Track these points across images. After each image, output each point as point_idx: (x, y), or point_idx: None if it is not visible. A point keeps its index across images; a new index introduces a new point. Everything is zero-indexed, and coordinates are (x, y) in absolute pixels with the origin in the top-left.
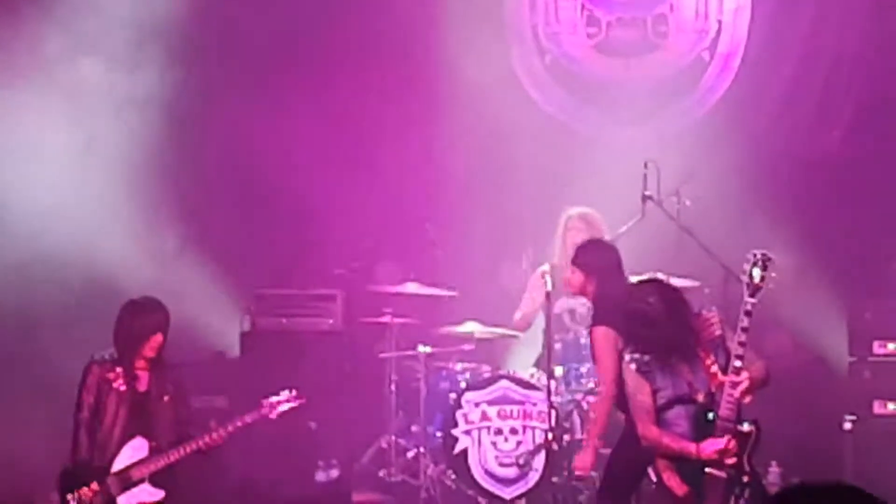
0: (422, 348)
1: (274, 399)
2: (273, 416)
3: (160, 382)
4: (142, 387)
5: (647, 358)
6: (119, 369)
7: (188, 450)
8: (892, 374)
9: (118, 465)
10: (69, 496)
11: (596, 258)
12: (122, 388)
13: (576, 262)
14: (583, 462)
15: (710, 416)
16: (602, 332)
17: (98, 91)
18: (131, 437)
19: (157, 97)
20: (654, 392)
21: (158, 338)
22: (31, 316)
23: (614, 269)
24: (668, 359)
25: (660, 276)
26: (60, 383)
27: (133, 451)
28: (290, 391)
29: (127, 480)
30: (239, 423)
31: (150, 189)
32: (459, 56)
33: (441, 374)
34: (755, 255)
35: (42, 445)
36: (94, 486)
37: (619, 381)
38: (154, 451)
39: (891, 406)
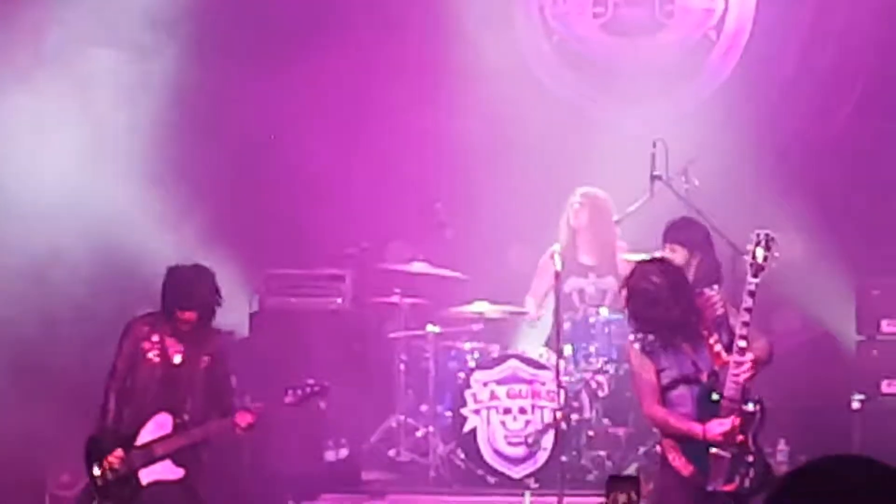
0: (431, 328)
1: (299, 391)
2: (293, 402)
3: (196, 354)
4: (175, 358)
5: (651, 337)
6: (156, 338)
7: (209, 431)
8: None
9: (143, 438)
10: (94, 465)
11: (694, 233)
12: (157, 358)
13: (676, 240)
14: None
15: (715, 396)
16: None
17: (107, 80)
18: (162, 408)
19: (167, 83)
20: (659, 372)
21: (191, 313)
22: (44, 305)
23: (709, 242)
24: (672, 338)
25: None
26: (74, 372)
27: (156, 427)
28: (312, 383)
29: (149, 455)
30: (262, 410)
31: (160, 173)
32: (468, 37)
33: (450, 353)
34: (758, 235)
35: (53, 432)
36: (115, 458)
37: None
38: (179, 428)
39: None
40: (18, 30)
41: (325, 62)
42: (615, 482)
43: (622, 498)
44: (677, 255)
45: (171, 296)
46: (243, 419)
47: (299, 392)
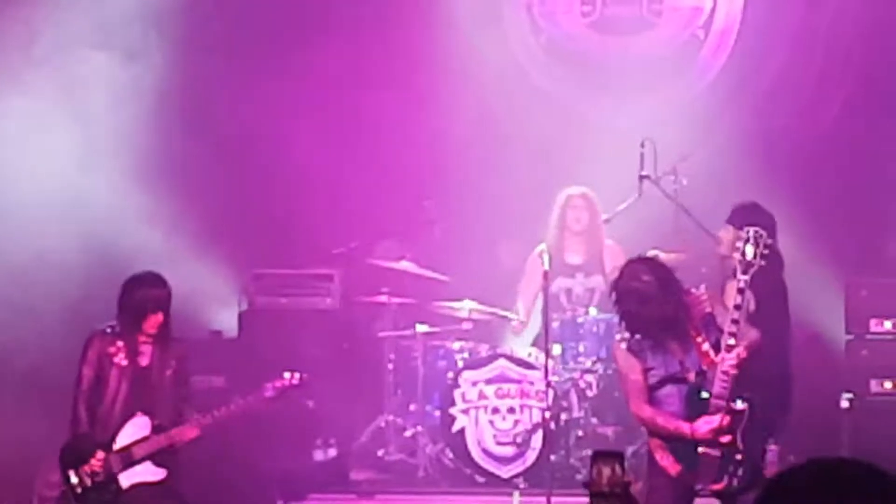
0: (419, 327)
1: (277, 382)
2: (273, 396)
3: (163, 357)
4: (144, 361)
5: (638, 337)
6: (120, 343)
7: (190, 431)
8: (889, 352)
9: (120, 441)
10: (70, 472)
11: (752, 219)
12: (124, 362)
13: (731, 221)
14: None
15: (704, 394)
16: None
17: (98, 81)
18: (133, 412)
19: (157, 84)
20: (646, 371)
21: (159, 316)
22: (34, 306)
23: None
24: (661, 337)
25: (658, 254)
26: (60, 370)
27: (135, 429)
28: (292, 373)
29: (128, 458)
30: (241, 405)
31: (150, 174)
32: (457, 36)
33: (439, 353)
34: (747, 232)
35: (41, 430)
36: (95, 461)
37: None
38: (156, 430)
39: (888, 384)
40: (10, 31)
41: (315, 61)
42: (600, 456)
43: (606, 471)
44: (726, 235)
45: (139, 300)
46: (188, 434)
47: (278, 385)
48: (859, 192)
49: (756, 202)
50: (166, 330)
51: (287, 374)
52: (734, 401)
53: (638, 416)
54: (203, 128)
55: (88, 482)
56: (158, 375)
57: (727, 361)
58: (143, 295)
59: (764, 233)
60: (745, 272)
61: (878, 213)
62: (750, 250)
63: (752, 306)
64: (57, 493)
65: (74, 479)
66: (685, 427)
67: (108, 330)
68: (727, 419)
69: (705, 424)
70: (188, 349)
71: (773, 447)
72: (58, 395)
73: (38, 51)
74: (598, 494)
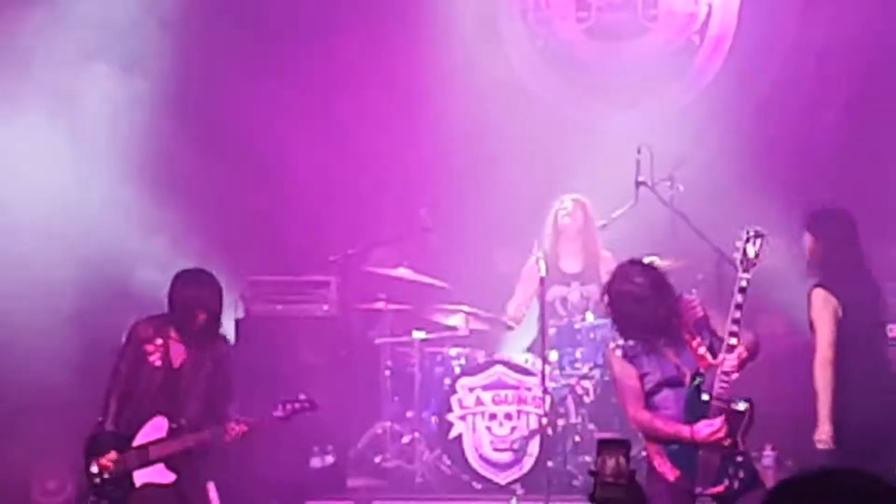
0: (416, 334)
1: (289, 405)
2: (283, 416)
3: (198, 359)
4: (177, 362)
5: (632, 342)
6: (159, 341)
7: (201, 438)
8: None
9: (139, 440)
10: (92, 461)
11: (825, 226)
12: (158, 362)
13: (809, 229)
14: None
15: (705, 396)
16: (822, 294)
17: (94, 91)
18: (160, 412)
19: (152, 94)
20: (642, 377)
21: (204, 316)
22: (32, 314)
23: (844, 240)
24: (654, 342)
25: (655, 259)
26: (61, 379)
27: (152, 430)
28: (303, 398)
29: (144, 457)
30: (254, 424)
31: (144, 180)
32: (453, 42)
33: (436, 359)
34: (748, 232)
35: (39, 439)
36: (111, 458)
37: (836, 345)
38: (173, 432)
39: None
40: (4, 42)
41: (312, 70)
42: (605, 444)
43: (611, 461)
44: (806, 241)
45: (186, 296)
46: (234, 430)
47: (289, 407)
48: (857, 197)
49: (828, 207)
50: (208, 330)
51: (302, 397)
52: (735, 402)
53: (636, 421)
54: (199, 136)
55: (107, 475)
56: (189, 377)
57: (728, 362)
58: (194, 292)
59: (765, 232)
60: (746, 271)
61: (876, 216)
62: (751, 249)
63: (840, 313)
64: (54, 501)
65: (95, 469)
66: (685, 430)
67: (150, 320)
68: (727, 420)
69: (706, 426)
70: (228, 350)
71: (770, 453)
72: (54, 401)
73: (34, 62)
74: (603, 483)
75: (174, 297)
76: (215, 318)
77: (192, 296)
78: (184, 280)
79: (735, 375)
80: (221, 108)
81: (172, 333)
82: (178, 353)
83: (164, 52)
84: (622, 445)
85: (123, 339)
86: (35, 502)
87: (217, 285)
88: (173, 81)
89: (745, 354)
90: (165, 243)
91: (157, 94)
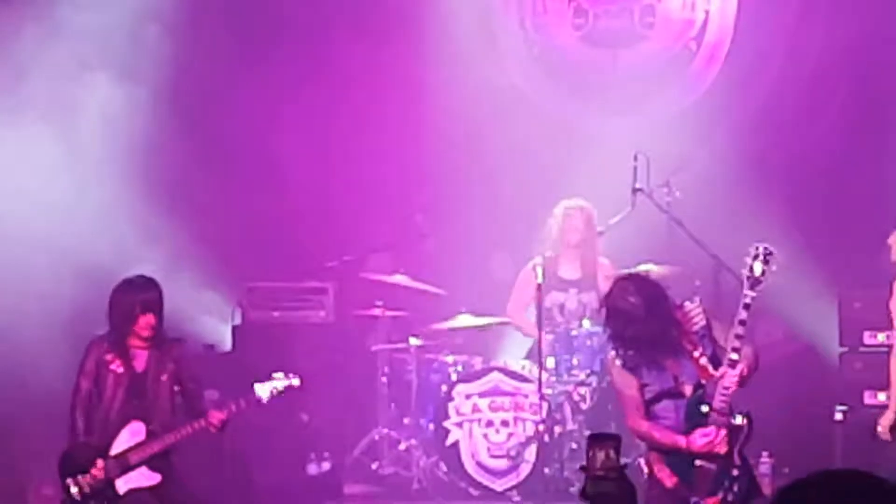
0: (413, 341)
1: (269, 384)
2: (266, 398)
3: (160, 362)
4: (139, 367)
5: (631, 353)
6: (117, 350)
7: (183, 433)
8: (883, 365)
9: (117, 448)
10: (69, 481)
11: None
12: (120, 369)
13: None
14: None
15: (704, 408)
16: None
17: (90, 100)
18: (129, 418)
19: (149, 102)
20: (642, 387)
21: (150, 318)
22: (30, 321)
23: None
24: (652, 354)
25: (651, 267)
26: (58, 385)
27: (131, 436)
28: (286, 375)
29: (125, 464)
30: (234, 408)
31: (139, 186)
32: (449, 49)
33: (432, 366)
34: (757, 249)
35: (35, 445)
36: (96, 470)
37: None
38: (151, 435)
39: (881, 396)
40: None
41: (307, 76)
42: (595, 439)
43: (601, 455)
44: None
45: (128, 302)
46: (215, 417)
47: (273, 390)
48: (853, 205)
49: None
50: (160, 333)
51: (279, 376)
52: (734, 416)
53: (635, 430)
54: (196, 144)
55: (87, 490)
56: (154, 380)
57: (730, 377)
58: (132, 298)
59: (773, 250)
60: (752, 288)
61: (873, 224)
62: (758, 267)
63: None
64: None
65: (74, 489)
66: (681, 440)
67: (106, 335)
68: (723, 431)
69: (701, 437)
70: (186, 350)
71: (767, 460)
72: (51, 407)
73: (30, 71)
74: (593, 477)
75: (120, 302)
76: (158, 318)
77: (139, 298)
78: (126, 286)
79: (731, 387)
80: (218, 116)
81: (128, 343)
82: (139, 359)
83: (160, 61)
84: (612, 440)
85: (82, 356)
86: None
87: (159, 288)
88: (170, 90)
89: (745, 372)
90: (162, 251)
91: (154, 102)
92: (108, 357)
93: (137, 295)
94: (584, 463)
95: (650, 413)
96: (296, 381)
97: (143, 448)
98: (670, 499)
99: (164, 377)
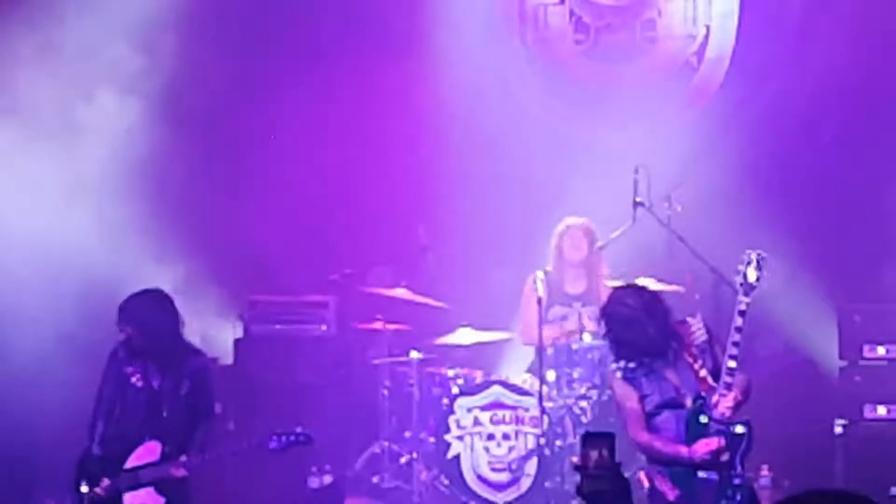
0: (414, 354)
1: (284, 438)
2: (277, 448)
3: (177, 377)
4: (156, 383)
5: (632, 365)
6: (137, 363)
7: (189, 468)
8: (882, 378)
9: (131, 462)
10: (83, 482)
11: None
12: (139, 384)
13: None
14: None
15: (703, 419)
16: None
17: (93, 113)
18: (145, 435)
19: (151, 113)
20: (642, 398)
21: (151, 328)
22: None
23: None
24: (652, 364)
25: (649, 282)
26: (61, 399)
27: (146, 452)
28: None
29: (135, 480)
30: (236, 451)
31: (140, 198)
32: (451, 63)
33: (434, 379)
34: (749, 255)
35: (37, 458)
36: (104, 486)
37: None
38: (166, 457)
39: (881, 410)
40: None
41: (309, 89)
42: (589, 438)
43: (594, 454)
44: None
45: (135, 319)
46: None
47: (284, 439)
48: (853, 218)
49: None
50: (174, 345)
51: (299, 430)
52: (734, 425)
53: (636, 442)
54: (196, 157)
55: (95, 498)
56: (170, 397)
57: (724, 404)
58: (138, 309)
59: (765, 255)
60: (746, 294)
61: (872, 238)
62: (752, 273)
63: None
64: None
65: (85, 489)
66: (683, 451)
67: (123, 344)
68: (724, 441)
69: (703, 446)
70: (205, 365)
71: (766, 473)
72: (53, 420)
73: (26, 80)
74: (588, 476)
75: (127, 320)
76: (174, 335)
77: (137, 313)
78: (133, 297)
79: (727, 411)
80: (219, 129)
81: (147, 354)
82: (156, 374)
83: (160, 73)
84: (606, 438)
85: (105, 363)
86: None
87: (158, 300)
88: (172, 104)
89: (739, 398)
90: (161, 262)
91: (154, 117)
92: (129, 369)
93: (143, 306)
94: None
95: (651, 426)
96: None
97: (153, 470)
98: None
99: (182, 392)
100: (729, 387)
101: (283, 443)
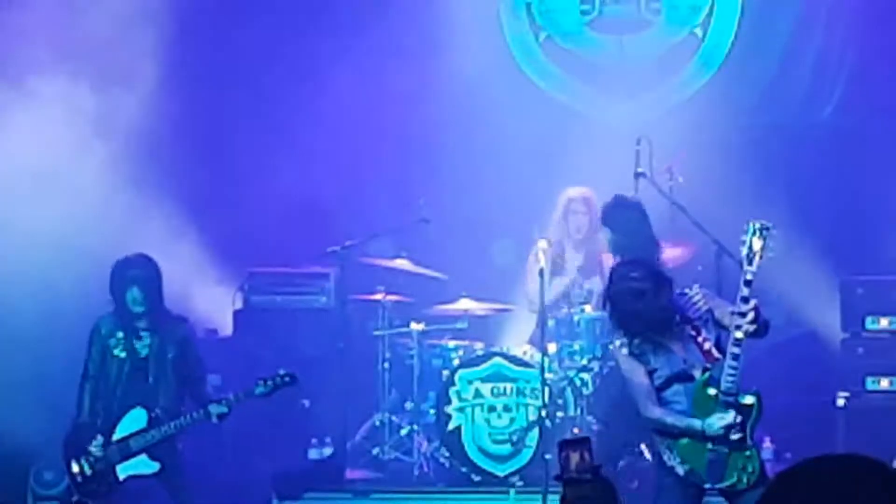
0: (415, 325)
1: (269, 381)
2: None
3: (162, 344)
4: (143, 351)
5: (637, 340)
6: (120, 333)
7: (183, 423)
8: (884, 350)
9: (119, 433)
10: (73, 461)
11: None
12: (123, 353)
13: None
14: None
15: (712, 391)
16: None
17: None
18: (132, 403)
19: (148, 83)
20: (651, 373)
21: (135, 292)
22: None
23: None
24: (659, 337)
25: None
26: (59, 372)
27: (132, 422)
28: (282, 373)
29: (126, 450)
30: (234, 401)
31: (142, 170)
32: (454, 34)
33: (434, 351)
34: (753, 225)
35: (36, 431)
36: (94, 447)
37: None
38: (153, 422)
39: (884, 382)
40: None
41: (309, 60)
42: (567, 444)
43: (575, 458)
44: None
45: (120, 278)
46: (215, 410)
47: (269, 383)
48: (854, 190)
49: None
50: (158, 312)
51: (282, 372)
52: (742, 396)
53: (647, 418)
54: (196, 130)
55: (89, 471)
56: (157, 364)
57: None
58: (121, 272)
59: (770, 225)
60: (751, 264)
61: (874, 210)
62: (756, 243)
63: None
64: (52, 493)
65: (76, 468)
66: (697, 424)
67: (108, 317)
68: (739, 416)
69: (718, 420)
70: (189, 330)
71: (769, 445)
72: (52, 393)
73: (27, 78)
74: (570, 481)
75: (114, 279)
76: (146, 294)
77: (129, 274)
78: (119, 264)
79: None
80: (219, 101)
81: (131, 324)
82: (142, 343)
83: (163, 61)
84: (583, 442)
85: (88, 338)
86: (33, 493)
87: (153, 265)
88: (172, 84)
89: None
90: (161, 233)
91: (155, 98)
92: (112, 342)
93: (127, 270)
94: (557, 472)
95: (661, 399)
96: (288, 379)
97: (144, 436)
98: (684, 486)
99: (166, 360)
100: (736, 357)
101: (268, 387)
